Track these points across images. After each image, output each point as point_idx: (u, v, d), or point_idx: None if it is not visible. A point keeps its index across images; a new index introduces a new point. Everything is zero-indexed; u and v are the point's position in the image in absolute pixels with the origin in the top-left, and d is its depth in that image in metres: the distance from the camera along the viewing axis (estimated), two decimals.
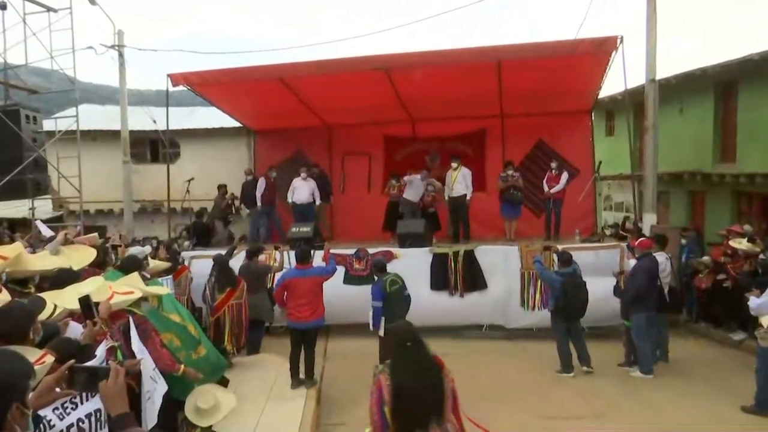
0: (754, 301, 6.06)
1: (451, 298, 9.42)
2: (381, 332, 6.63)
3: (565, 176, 10.58)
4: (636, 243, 7.74)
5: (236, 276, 7.78)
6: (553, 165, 10.72)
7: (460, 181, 10.48)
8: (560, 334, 7.53)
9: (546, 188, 10.56)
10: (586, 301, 7.37)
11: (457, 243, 10.25)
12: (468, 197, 10.43)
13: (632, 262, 7.71)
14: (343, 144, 13.29)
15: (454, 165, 10.60)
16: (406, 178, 11.03)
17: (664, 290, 7.56)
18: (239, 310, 7.50)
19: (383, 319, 6.66)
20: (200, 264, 9.16)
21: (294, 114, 12.14)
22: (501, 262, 9.47)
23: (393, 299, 6.76)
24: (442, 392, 3.21)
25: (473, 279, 9.41)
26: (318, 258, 7.55)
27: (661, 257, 7.69)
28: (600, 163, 11.33)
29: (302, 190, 11.46)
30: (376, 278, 7.16)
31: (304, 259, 6.92)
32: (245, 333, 7.52)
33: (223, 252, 8.41)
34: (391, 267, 8.54)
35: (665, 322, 8.02)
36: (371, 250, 9.70)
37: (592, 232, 11.45)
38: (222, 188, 12.42)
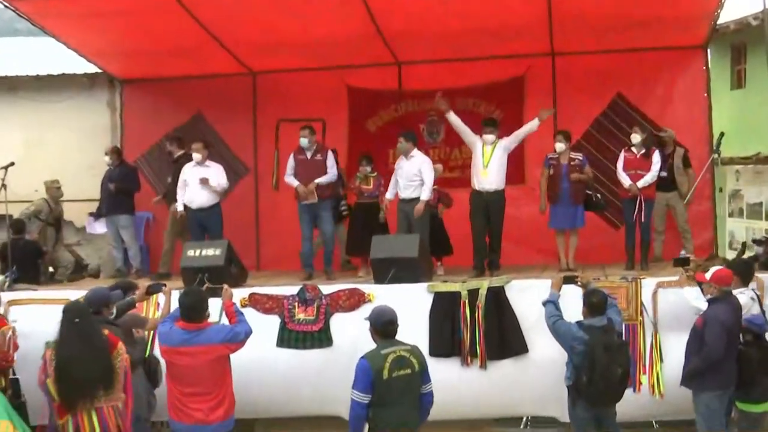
0: None
1: (464, 370, 9.49)
2: None
3: (657, 159, 10.57)
4: (708, 277, 7.85)
5: None
6: (635, 138, 10.63)
7: (497, 165, 10.55)
8: (581, 427, 7.73)
9: (625, 179, 10.55)
10: (626, 375, 7.51)
11: (479, 275, 10.38)
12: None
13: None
14: (277, 103, 13.43)
15: (489, 137, 10.64)
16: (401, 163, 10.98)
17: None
18: None
19: (366, 427, 6.25)
20: (30, 314, 9.22)
21: (192, 52, 12.28)
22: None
23: (392, 395, 6.19)
24: (111, 369, 6.17)
25: (503, 338, 9.46)
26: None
27: (743, 296, 7.94)
28: (722, 135, 11.45)
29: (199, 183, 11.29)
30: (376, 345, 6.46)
31: (194, 313, 6.75)
32: None
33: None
34: (356, 316, 8.69)
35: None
36: (326, 289, 9.76)
37: (710, 253, 11.55)
38: None
